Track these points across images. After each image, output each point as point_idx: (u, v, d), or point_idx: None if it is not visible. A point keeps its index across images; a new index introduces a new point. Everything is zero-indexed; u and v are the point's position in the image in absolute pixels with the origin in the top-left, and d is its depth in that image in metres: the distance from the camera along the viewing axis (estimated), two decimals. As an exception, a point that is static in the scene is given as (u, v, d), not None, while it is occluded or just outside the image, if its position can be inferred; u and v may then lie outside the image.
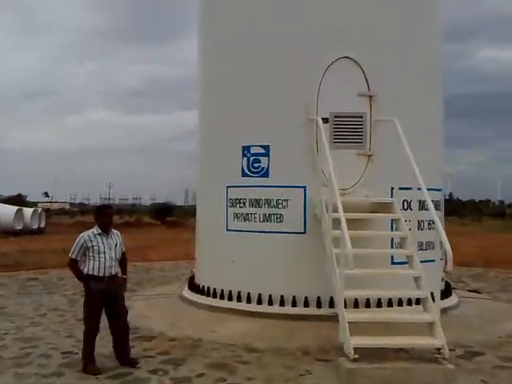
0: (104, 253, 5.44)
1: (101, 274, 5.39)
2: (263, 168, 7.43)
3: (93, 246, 5.43)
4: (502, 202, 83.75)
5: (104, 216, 5.61)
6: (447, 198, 48.65)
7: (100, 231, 5.52)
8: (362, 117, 7.20)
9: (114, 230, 5.67)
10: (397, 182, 7.01)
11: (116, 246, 5.55)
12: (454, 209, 46.96)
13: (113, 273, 5.46)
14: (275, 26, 7.54)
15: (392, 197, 7.12)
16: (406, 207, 7.21)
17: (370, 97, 7.36)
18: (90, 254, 5.42)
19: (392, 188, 7.18)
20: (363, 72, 7.34)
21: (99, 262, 5.43)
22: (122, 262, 5.67)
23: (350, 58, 7.32)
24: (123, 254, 5.69)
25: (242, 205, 7.54)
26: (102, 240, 5.49)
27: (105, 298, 5.42)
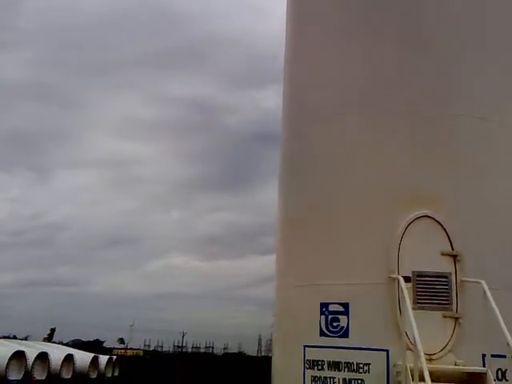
0: None
1: None
2: (342, 327, 7.14)
3: None
4: None
5: None
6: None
7: None
8: (446, 277, 6.94)
9: None
10: (489, 348, 6.48)
11: None
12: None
13: None
14: (354, 183, 7.68)
15: (484, 365, 6.54)
16: (500, 377, 6.58)
17: (455, 256, 7.12)
18: None
19: (484, 355, 6.61)
20: (445, 231, 7.21)
21: None
22: None
23: (430, 217, 7.25)
24: None
25: (320, 367, 7.14)
26: None
27: None
